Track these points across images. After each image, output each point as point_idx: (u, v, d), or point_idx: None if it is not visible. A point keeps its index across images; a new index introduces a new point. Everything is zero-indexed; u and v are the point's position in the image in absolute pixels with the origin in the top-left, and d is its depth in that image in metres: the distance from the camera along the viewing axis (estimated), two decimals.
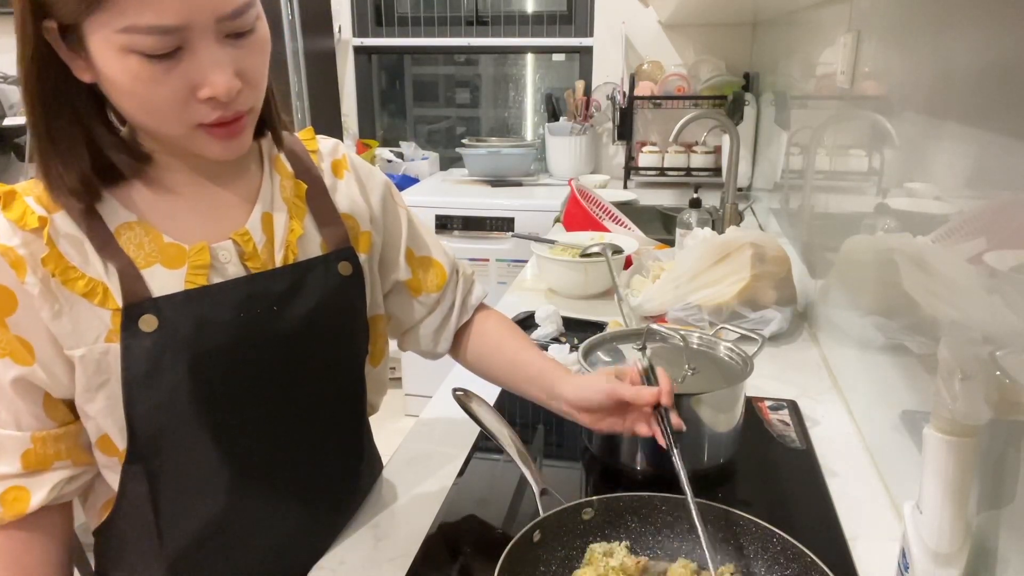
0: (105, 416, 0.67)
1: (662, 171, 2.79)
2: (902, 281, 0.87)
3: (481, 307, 0.95)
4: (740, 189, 2.47)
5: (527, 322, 1.42)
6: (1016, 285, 0.60)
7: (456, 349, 0.94)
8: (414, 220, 0.91)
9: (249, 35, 0.62)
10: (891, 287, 0.91)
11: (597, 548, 0.72)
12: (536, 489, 0.76)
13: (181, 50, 0.58)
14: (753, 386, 1.02)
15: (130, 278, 0.65)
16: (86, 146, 0.64)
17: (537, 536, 0.69)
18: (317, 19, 2.97)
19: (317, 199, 0.78)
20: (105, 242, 0.65)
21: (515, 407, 1.09)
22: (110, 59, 0.57)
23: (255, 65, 0.63)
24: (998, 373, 0.59)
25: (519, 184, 2.82)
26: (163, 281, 0.66)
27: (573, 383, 0.79)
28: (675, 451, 0.73)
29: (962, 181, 0.74)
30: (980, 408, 0.56)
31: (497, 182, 2.83)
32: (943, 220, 0.79)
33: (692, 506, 0.69)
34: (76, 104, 0.63)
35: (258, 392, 0.71)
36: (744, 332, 1.06)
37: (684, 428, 0.75)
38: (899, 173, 0.94)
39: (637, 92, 2.75)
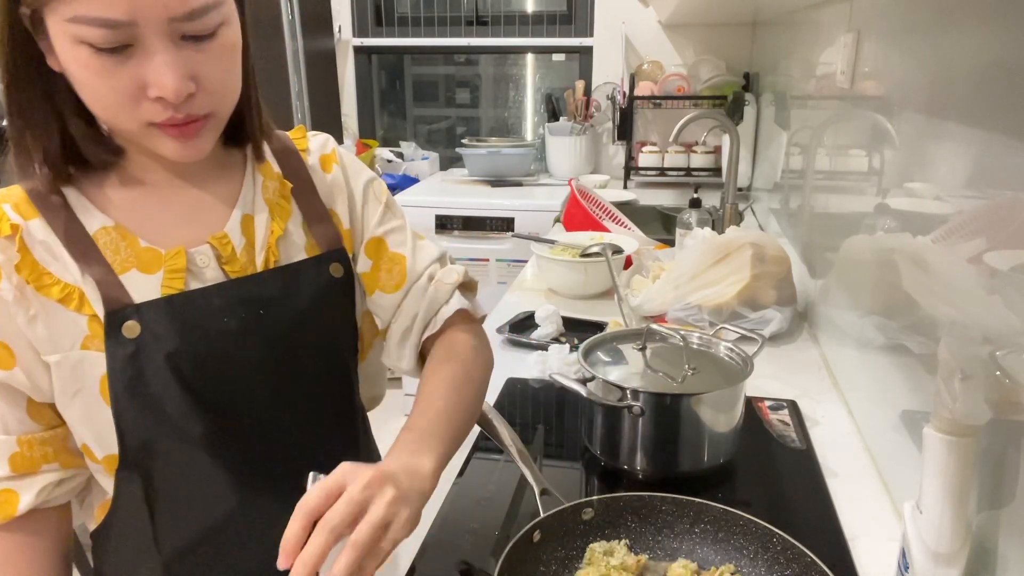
0: (82, 424, 0.66)
1: (662, 171, 2.79)
2: (902, 281, 0.87)
3: (460, 325, 0.81)
4: (740, 189, 2.46)
5: (527, 322, 1.42)
6: (1016, 285, 0.60)
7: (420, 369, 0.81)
8: (395, 211, 0.84)
9: (209, 40, 0.60)
10: (891, 287, 0.91)
11: (597, 547, 0.72)
12: (536, 489, 0.76)
13: (132, 47, 0.57)
14: (753, 386, 1.02)
15: (110, 285, 0.65)
16: (58, 132, 0.64)
17: (537, 536, 0.69)
18: (317, 19, 2.97)
19: (305, 198, 0.77)
20: (84, 249, 0.65)
21: (515, 407, 1.09)
22: (64, 48, 0.57)
23: (215, 71, 0.61)
24: (998, 373, 0.59)
25: (519, 184, 2.82)
26: (139, 286, 0.66)
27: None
28: None
29: (962, 181, 0.74)
30: (980, 408, 0.56)
31: (497, 182, 2.83)
32: (943, 220, 0.79)
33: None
34: (49, 90, 0.62)
35: (246, 397, 0.71)
36: (744, 332, 1.06)
37: None
38: (899, 173, 0.94)
39: (637, 92, 2.75)
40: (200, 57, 0.60)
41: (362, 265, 0.81)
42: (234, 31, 0.63)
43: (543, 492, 0.75)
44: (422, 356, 0.81)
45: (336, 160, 0.81)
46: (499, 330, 1.36)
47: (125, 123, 0.61)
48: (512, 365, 1.23)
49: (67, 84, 0.62)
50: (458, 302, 0.80)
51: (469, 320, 0.82)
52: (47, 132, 0.63)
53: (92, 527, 0.75)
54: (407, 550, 0.79)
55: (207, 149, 0.65)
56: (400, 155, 3.16)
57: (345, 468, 0.57)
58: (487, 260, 2.54)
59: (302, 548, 0.53)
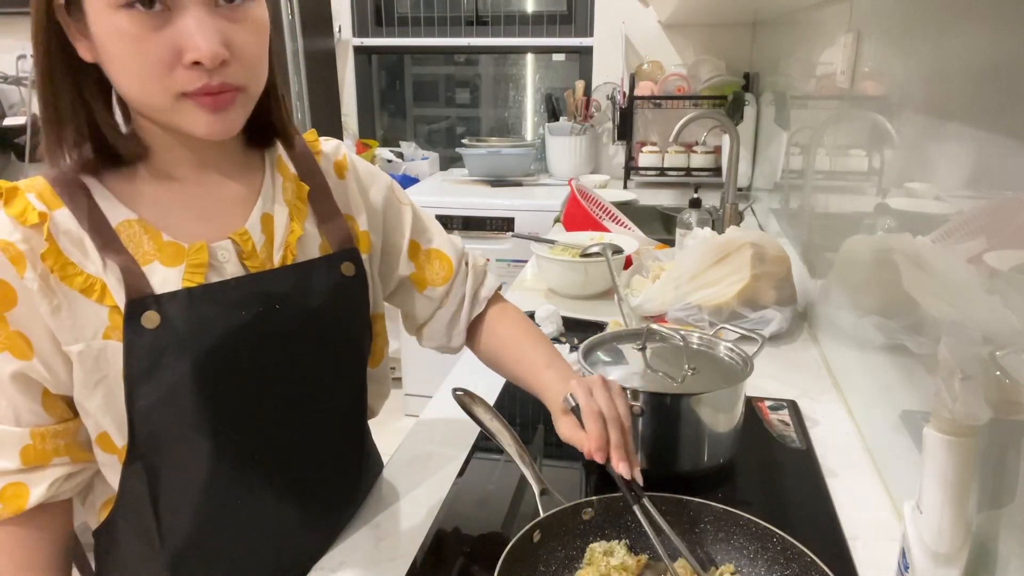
0: (104, 413, 0.67)
1: (662, 171, 2.79)
2: (902, 281, 0.87)
3: (497, 299, 0.95)
4: (740, 189, 2.46)
5: None
6: (1016, 285, 0.60)
7: (471, 342, 0.95)
8: (419, 214, 0.91)
9: (242, 7, 0.63)
10: (891, 287, 0.91)
11: (597, 547, 0.72)
12: (536, 489, 0.76)
13: (171, 12, 0.59)
14: (753, 386, 1.02)
15: (133, 275, 0.65)
16: (88, 125, 0.65)
17: (537, 536, 0.69)
18: (317, 19, 2.97)
19: (320, 200, 0.78)
20: (108, 240, 0.66)
21: (515, 407, 1.09)
22: (103, 19, 0.59)
23: (248, 42, 0.64)
24: (998, 373, 0.59)
25: (519, 184, 2.82)
26: (161, 279, 0.67)
27: (559, 421, 0.79)
28: (635, 505, 0.70)
29: (962, 181, 0.74)
30: (980, 408, 0.56)
31: (497, 182, 2.83)
32: (943, 220, 0.79)
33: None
34: (80, 84, 0.64)
35: (258, 391, 0.71)
36: (744, 332, 1.05)
37: (637, 480, 0.72)
38: (899, 173, 0.94)
39: (637, 92, 2.75)
40: (233, 26, 0.62)
41: (405, 269, 0.89)
42: (264, 9, 0.65)
43: (543, 492, 0.75)
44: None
45: (348, 166, 0.83)
46: None
47: (158, 96, 0.62)
48: None
49: (96, 77, 0.64)
50: (494, 281, 0.95)
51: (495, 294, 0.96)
52: (79, 127, 0.65)
53: (95, 525, 0.75)
54: (407, 550, 0.79)
55: (238, 126, 0.67)
56: (400, 155, 3.16)
57: (587, 384, 0.76)
58: (487, 260, 2.54)
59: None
